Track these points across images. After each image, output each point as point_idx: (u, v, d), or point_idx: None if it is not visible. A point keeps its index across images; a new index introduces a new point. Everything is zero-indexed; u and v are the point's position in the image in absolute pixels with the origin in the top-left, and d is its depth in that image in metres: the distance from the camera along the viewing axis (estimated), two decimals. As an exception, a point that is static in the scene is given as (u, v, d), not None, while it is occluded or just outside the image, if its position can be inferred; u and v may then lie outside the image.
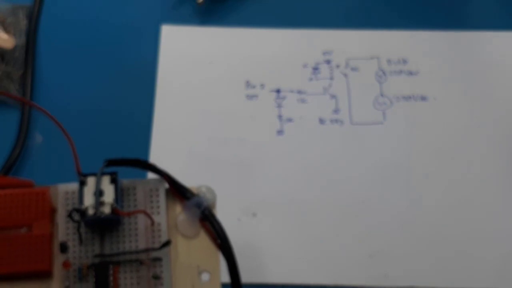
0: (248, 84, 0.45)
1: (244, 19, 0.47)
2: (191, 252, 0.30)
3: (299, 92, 0.45)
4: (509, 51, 0.47)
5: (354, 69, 0.46)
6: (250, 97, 0.45)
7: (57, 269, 0.29)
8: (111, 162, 0.29)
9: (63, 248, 0.29)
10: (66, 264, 0.29)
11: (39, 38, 0.46)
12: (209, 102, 0.45)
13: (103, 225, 0.29)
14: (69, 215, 0.28)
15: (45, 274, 0.29)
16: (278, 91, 0.45)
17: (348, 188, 0.42)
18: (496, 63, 0.46)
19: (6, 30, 0.45)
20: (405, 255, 0.39)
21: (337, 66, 0.46)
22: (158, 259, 0.29)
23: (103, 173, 0.28)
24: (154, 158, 0.42)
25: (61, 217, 0.29)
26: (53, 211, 0.30)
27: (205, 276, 0.30)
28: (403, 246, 0.40)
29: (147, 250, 0.29)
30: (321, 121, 0.44)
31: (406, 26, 0.47)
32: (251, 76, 0.45)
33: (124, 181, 0.30)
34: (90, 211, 0.28)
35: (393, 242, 0.40)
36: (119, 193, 0.29)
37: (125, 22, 0.47)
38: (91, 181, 0.28)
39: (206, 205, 0.30)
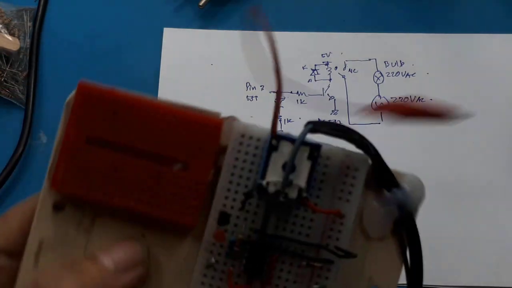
0: (248, 85, 0.46)
1: (244, 22, 0.48)
2: (367, 257, 0.23)
3: (298, 93, 0.46)
4: (503, 53, 0.47)
5: (352, 70, 0.46)
6: (250, 98, 0.45)
7: (198, 230, 0.22)
8: (317, 125, 0.21)
9: (223, 219, 0.22)
10: (219, 235, 0.22)
11: (44, 40, 0.47)
12: (210, 103, 0.43)
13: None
14: (245, 195, 0.22)
15: (184, 229, 0.22)
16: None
17: (347, 187, 0.42)
18: (490, 65, 0.46)
19: (11, 33, 0.45)
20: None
21: (335, 68, 0.46)
22: (329, 262, 0.22)
23: (303, 142, 0.21)
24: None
25: (227, 166, 0.22)
26: (220, 152, 0.22)
27: None
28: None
29: (318, 247, 0.22)
30: (320, 121, 0.45)
31: (403, 29, 0.48)
32: (251, 77, 0.46)
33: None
34: (271, 189, 0.20)
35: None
36: (315, 177, 0.21)
37: (128, 25, 0.48)
38: (285, 147, 0.21)
39: (412, 206, 0.23)
